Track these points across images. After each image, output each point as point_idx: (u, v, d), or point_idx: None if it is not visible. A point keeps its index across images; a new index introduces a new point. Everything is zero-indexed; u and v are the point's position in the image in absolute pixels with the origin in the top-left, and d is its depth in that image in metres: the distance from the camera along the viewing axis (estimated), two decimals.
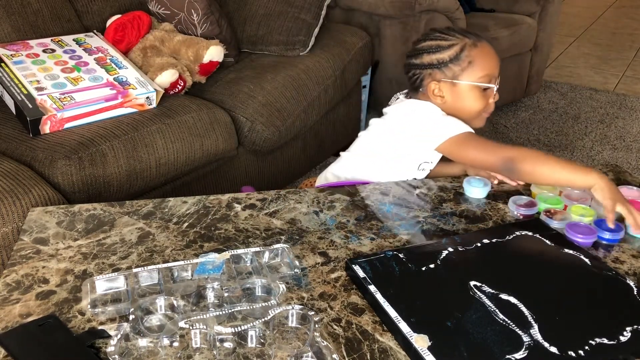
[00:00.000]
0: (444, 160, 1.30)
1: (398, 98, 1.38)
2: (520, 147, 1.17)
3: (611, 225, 1.02)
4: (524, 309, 0.82)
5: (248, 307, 0.82)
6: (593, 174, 1.06)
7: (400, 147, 1.26)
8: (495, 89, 1.24)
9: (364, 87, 2.66)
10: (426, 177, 1.31)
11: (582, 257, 0.95)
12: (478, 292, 0.85)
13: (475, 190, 1.16)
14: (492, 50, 1.25)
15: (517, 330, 0.78)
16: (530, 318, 0.81)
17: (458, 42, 1.23)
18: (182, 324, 0.79)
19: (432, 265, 0.91)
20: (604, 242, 1.03)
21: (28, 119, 1.51)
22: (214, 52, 1.92)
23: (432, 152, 1.24)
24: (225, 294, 0.85)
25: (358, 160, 1.35)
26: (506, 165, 1.12)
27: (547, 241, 0.99)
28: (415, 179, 1.27)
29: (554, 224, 1.05)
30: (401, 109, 1.30)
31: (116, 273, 0.88)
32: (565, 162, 1.11)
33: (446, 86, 1.23)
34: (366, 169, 1.32)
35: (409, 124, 1.25)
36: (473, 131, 1.21)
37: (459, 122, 1.22)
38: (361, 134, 1.37)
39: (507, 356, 0.74)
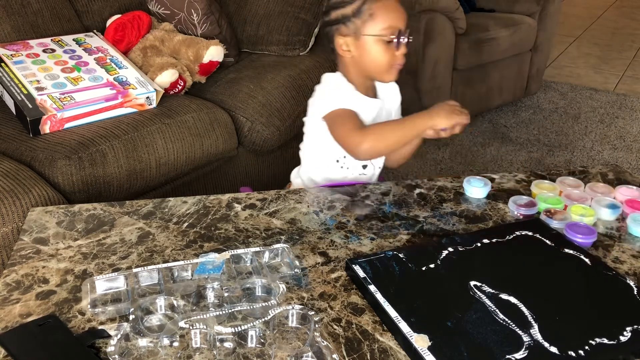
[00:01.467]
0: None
1: None
2: (367, 128, 1.20)
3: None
4: (524, 309, 0.82)
5: (248, 307, 0.82)
6: (421, 119, 1.21)
7: (311, 129, 1.31)
8: (402, 41, 1.22)
9: None
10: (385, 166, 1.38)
11: (582, 257, 0.95)
12: (478, 292, 0.85)
13: (475, 190, 1.16)
14: (396, 3, 1.23)
15: (517, 330, 0.78)
16: (530, 318, 0.81)
17: None
18: (182, 324, 0.79)
19: (432, 265, 0.91)
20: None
21: (28, 119, 1.51)
22: (214, 52, 1.92)
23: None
24: (225, 294, 0.85)
25: (306, 154, 1.38)
26: (357, 150, 1.18)
27: (547, 241, 0.99)
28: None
29: (554, 224, 1.05)
30: (317, 87, 1.32)
31: (116, 273, 0.88)
32: (395, 123, 1.24)
33: (352, 40, 1.24)
34: (307, 168, 1.37)
35: (314, 101, 1.30)
36: (352, 110, 1.22)
37: (342, 97, 1.23)
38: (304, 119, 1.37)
39: (507, 356, 0.74)
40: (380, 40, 1.20)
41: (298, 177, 1.42)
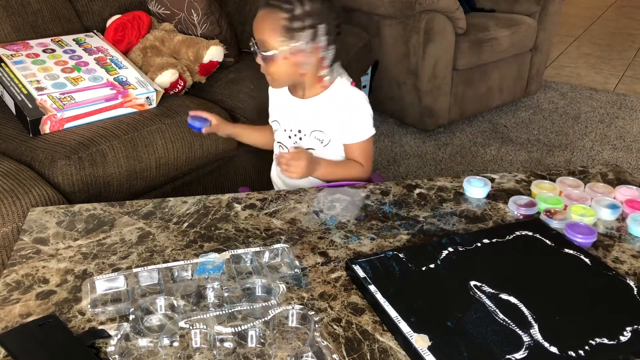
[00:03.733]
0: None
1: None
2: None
3: None
4: (524, 309, 0.82)
5: (248, 307, 0.82)
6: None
7: None
8: (255, 52, 1.25)
9: (364, 87, 2.67)
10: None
11: (582, 257, 0.95)
12: (478, 292, 0.85)
13: (475, 190, 1.16)
14: (257, 16, 1.24)
15: (517, 330, 0.78)
16: (530, 318, 0.81)
17: None
18: (182, 324, 0.79)
19: (432, 265, 0.91)
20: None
21: (28, 119, 1.51)
22: (214, 52, 1.92)
23: None
24: (225, 294, 0.85)
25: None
26: None
27: (547, 241, 0.99)
28: None
29: (554, 224, 1.05)
30: None
31: (116, 273, 0.88)
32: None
33: None
34: None
35: None
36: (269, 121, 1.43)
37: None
38: None
39: (507, 356, 0.74)
40: None
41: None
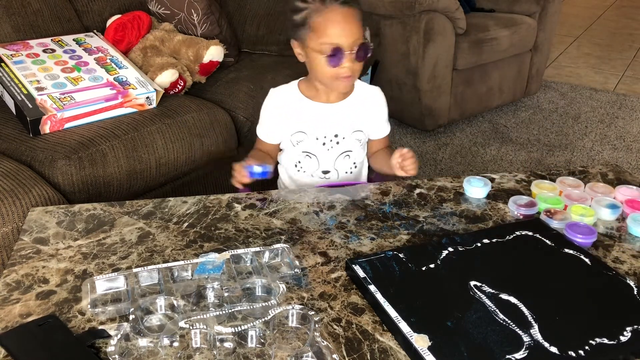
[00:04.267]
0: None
1: None
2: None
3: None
4: (524, 309, 0.82)
5: (248, 307, 0.82)
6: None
7: None
8: (340, 58, 1.20)
9: None
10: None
11: (582, 257, 0.95)
12: (478, 292, 0.85)
13: (475, 190, 1.16)
14: (341, 17, 1.20)
15: (517, 330, 0.78)
16: (530, 318, 0.81)
17: (307, 6, 1.21)
18: (182, 324, 0.79)
19: (432, 265, 0.91)
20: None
21: (28, 119, 1.51)
22: (214, 52, 1.92)
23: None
24: (225, 294, 0.85)
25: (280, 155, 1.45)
26: None
27: (547, 241, 0.99)
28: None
29: (554, 224, 1.05)
30: None
31: (116, 273, 0.88)
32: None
33: (301, 47, 1.27)
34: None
35: None
36: (261, 138, 1.36)
37: (261, 125, 1.36)
38: None
39: (507, 356, 0.74)
40: (320, 53, 1.21)
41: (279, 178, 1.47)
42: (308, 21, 1.20)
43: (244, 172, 1.17)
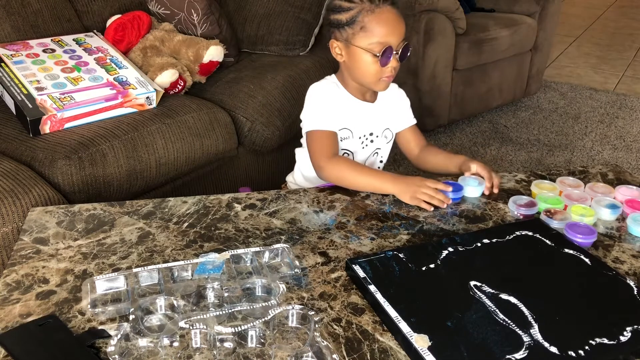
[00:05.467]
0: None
1: None
2: (337, 158, 1.23)
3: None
4: (524, 309, 0.82)
5: (248, 307, 0.82)
6: (387, 184, 1.16)
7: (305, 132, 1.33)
8: (389, 58, 1.22)
9: None
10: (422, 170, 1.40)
11: (582, 257, 0.95)
12: (478, 292, 0.85)
13: (470, 190, 1.16)
14: (392, 16, 1.21)
15: (517, 330, 0.78)
16: (530, 318, 0.81)
17: (357, 5, 1.21)
18: (182, 324, 0.79)
19: (432, 265, 0.91)
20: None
21: (28, 119, 1.51)
22: (214, 52, 1.92)
23: None
24: (225, 294, 0.85)
25: (299, 154, 1.42)
26: (319, 173, 1.24)
27: (547, 241, 0.99)
28: None
29: (554, 224, 1.05)
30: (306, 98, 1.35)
31: (116, 273, 0.88)
32: (368, 171, 1.21)
33: (343, 47, 1.26)
34: (305, 164, 1.37)
35: (302, 114, 1.33)
36: (328, 131, 1.25)
37: (321, 116, 1.26)
38: None
39: (507, 356, 0.74)
40: (369, 52, 1.21)
41: (291, 177, 1.46)
42: (357, 19, 1.20)
43: (446, 197, 1.14)
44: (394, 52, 1.21)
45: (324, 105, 1.29)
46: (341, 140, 1.31)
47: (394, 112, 1.39)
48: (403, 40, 1.22)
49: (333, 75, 1.35)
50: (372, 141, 1.36)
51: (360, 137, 1.34)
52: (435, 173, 1.36)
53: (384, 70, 1.23)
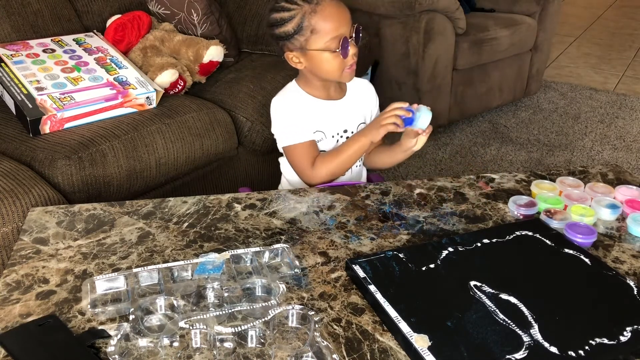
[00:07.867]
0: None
1: None
2: (317, 162, 1.28)
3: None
4: (524, 309, 0.82)
5: (248, 307, 0.82)
6: (362, 139, 1.26)
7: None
8: (349, 45, 1.22)
9: None
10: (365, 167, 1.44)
11: (582, 257, 0.95)
12: (478, 292, 0.85)
13: (424, 114, 1.28)
14: (335, 7, 1.21)
15: (517, 330, 0.78)
16: (530, 318, 0.81)
17: (298, 11, 1.21)
18: (182, 324, 0.79)
19: (432, 265, 0.91)
20: None
21: (28, 119, 1.51)
22: (214, 52, 1.92)
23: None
24: (225, 294, 0.85)
25: (282, 162, 1.43)
26: (310, 184, 1.28)
27: (547, 241, 0.99)
28: None
29: (554, 224, 1.05)
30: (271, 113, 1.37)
31: (116, 273, 0.88)
32: (344, 148, 1.28)
33: (300, 54, 1.26)
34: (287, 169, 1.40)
35: (273, 129, 1.37)
36: (303, 141, 1.29)
37: (292, 129, 1.29)
38: None
39: (507, 356, 0.74)
40: (327, 51, 1.21)
41: (280, 186, 1.48)
42: (304, 25, 1.20)
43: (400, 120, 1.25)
44: (350, 40, 1.22)
45: (292, 117, 1.30)
46: (319, 142, 1.33)
47: (366, 105, 1.40)
48: (352, 24, 1.23)
49: (293, 81, 1.35)
50: (347, 137, 1.35)
51: (333, 136, 1.34)
52: (385, 168, 1.42)
53: (347, 61, 1.24)
